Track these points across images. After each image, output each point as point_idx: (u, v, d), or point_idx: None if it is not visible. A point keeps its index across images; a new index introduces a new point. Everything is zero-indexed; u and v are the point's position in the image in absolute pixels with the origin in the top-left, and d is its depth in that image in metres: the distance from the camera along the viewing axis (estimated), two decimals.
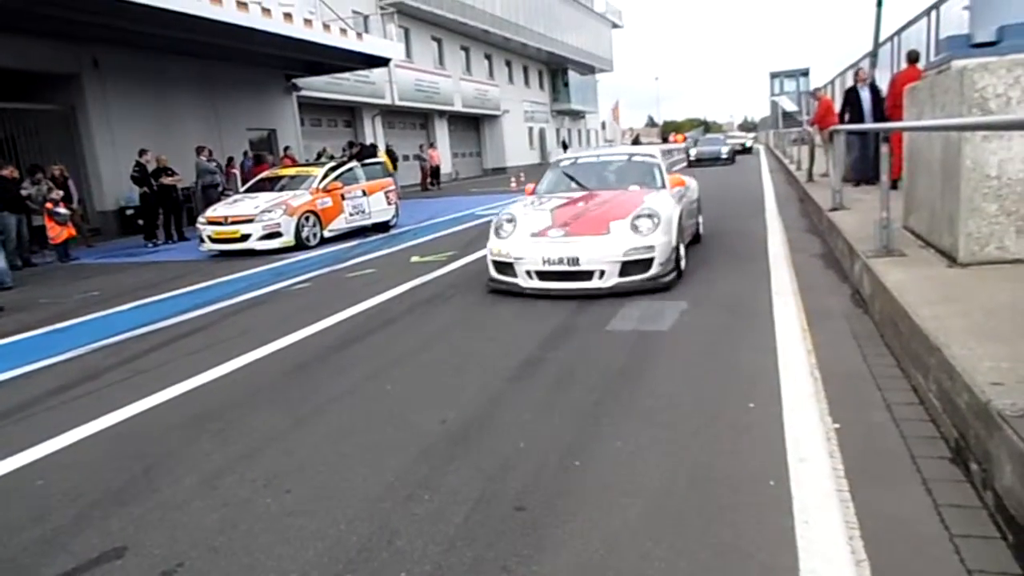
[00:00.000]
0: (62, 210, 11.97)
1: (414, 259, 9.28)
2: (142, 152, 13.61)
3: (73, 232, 12.41)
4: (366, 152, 17.96)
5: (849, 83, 19.89)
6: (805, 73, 41.08)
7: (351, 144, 21.56)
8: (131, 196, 14.78)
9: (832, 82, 23.23)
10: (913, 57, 9.78)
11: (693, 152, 25.35)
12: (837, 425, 3.10)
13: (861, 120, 10.13)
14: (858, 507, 2.43)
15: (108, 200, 15.78)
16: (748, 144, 39.72)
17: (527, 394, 3.87)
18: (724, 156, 28.76)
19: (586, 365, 4.30)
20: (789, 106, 33.75)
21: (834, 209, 8.35)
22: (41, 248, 12.60)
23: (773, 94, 42.55)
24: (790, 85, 41.24)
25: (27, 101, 14.56)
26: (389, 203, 13.59)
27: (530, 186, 8.08)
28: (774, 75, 43.32)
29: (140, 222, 14.26)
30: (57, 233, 11.95)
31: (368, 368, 4.61)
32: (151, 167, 13.63)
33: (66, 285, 9.46)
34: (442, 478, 2.92)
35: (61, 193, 12.20)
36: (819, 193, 10.36)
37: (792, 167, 18.47)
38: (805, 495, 2.54)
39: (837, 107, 15.93)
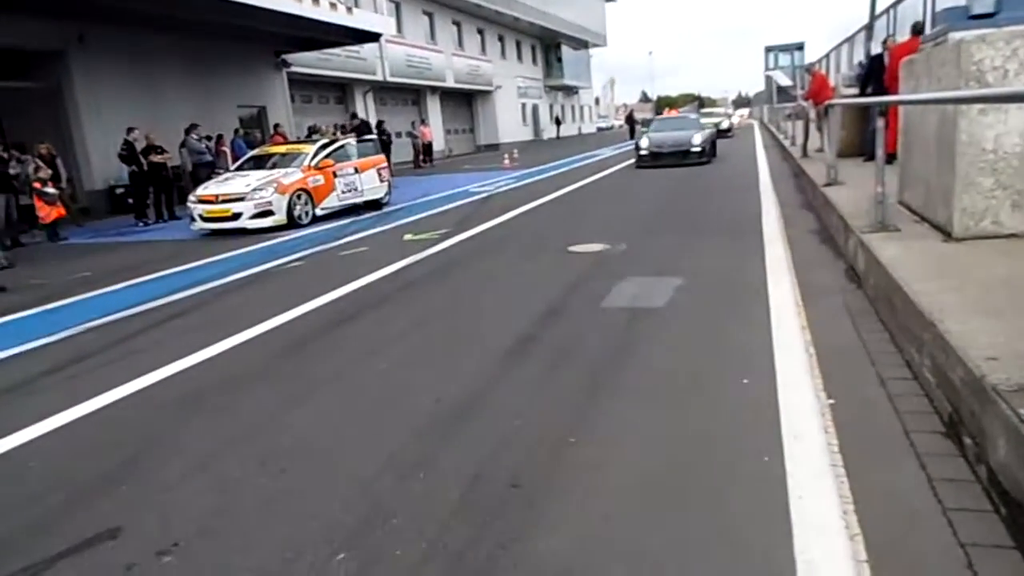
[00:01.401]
0: (50, 189, 11.84)
1: (407, 237, 9.22)
2: (130, 130, 13.43)
3: (63, 212, 12.26)
4: (364, 129, 17.78)
5: (845, 58, 19.72)
6: (800, 47, 40.76)
7: (354, 116, 21.28)
8: (121, 175, 14.61)
9: (827, 56, 23.08)
10: (917, 28, 9.68)
11: (644, 143, 17.69)
12: (832, 401, 3.11)
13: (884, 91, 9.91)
14: (852, 482, 2.44)
15: (97, 179, 15.60)
16: (726, 124, 31.15)
17: (522, 372, 3.86)
18: (696, 148, 16.76)
19: (581, 343, 4.29)
20: (784, 81, 33.47)
21: (828, 184, 8.32)
22: (30, 228, 12.46)
23: (768, 69, 42.26)
24: (785, 60, 40.90)
25: (11, 79, 14.31)
26: (382, 180, 13.49)
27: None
28: (769, 49, 42.95)
29: (130, 201, 14.13)
30: (46, 213, 11.83)
31: (362, 347, 4.59)
32: (140, 145, 13.46)
33: (56, 265, 9.38)
34: (437, 457, 2.91)
35: (49, 172, 12.05)
36: (814, 168, 10.32)
37: (787, 142, 18.41)
38: (799, 471, 2.54)
39: (832, 81, 15.85)
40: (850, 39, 19.16)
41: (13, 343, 5.36)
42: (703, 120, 21.82)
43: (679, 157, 16.80)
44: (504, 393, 3.57)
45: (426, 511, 2.50)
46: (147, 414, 3.72)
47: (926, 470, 2.48)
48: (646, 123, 26.96)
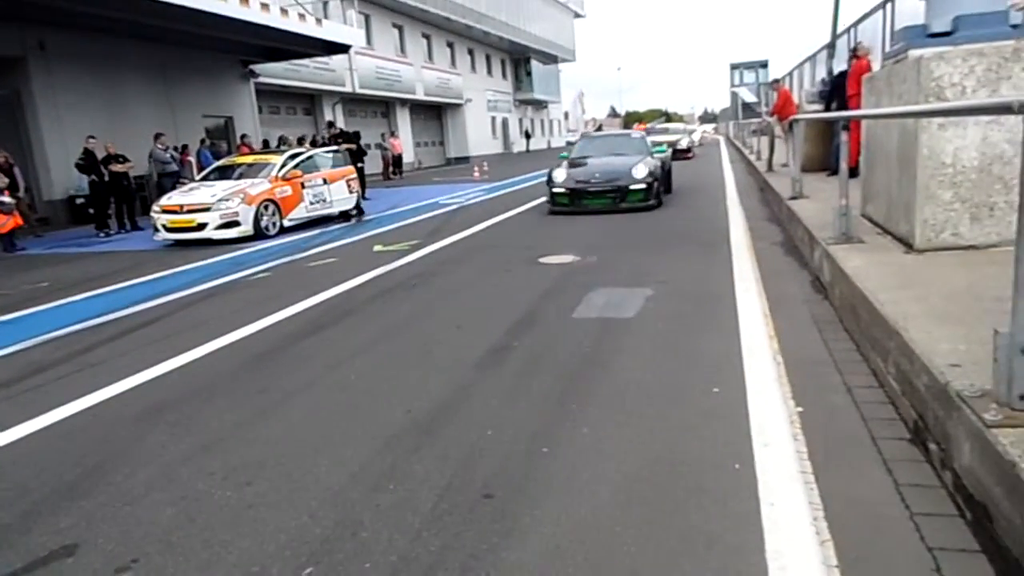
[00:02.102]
0: (7, 199, 11.52)
1: (377, 248, 9.15)
2: (89, 138, 13.15)
3: (20, 222, 11.93)
4: (348, 138, 17.59)
5: (808, 75, 20.17)
6: (764, 65, 41.71)
7: (331, 125, 21.10)
8: (81, 184, 14.28)
9: (791, 73, 23.60)
10: (858, 52, 10.02)
11: (559, 178, 11.34)
12: (800, 409, 3.14)
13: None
14: (821, 489, 2.46)
15: (57, 189, 15.23)
16: (684, 143, 25.74)
17: (493, 382, 3.83)
18: (637, 185, 10.93)
19: (552, 352, 4.28)
20: (749, 97, 34.13)
21: (794, 198, 8.48)
22: None
23: (733, 85, 43.08)
24: (750, 76, 41.80)
25: None
26: (351, 192, 13.39)
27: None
28: (734, 66, 43.87)
29: (91, 211, 13.80)
30: (2, 223, 11.48)
31: (330, 358, 4.52)
32: (100, 154, 13.18)
33: (12, 276, 9.10)
34: (408, 467, 2.87)
35: (6, 181, 11.74)
36: (779, 182, 10.51)
37: (752, 157, 18.73)
38: (770, 478, 2.56)
39: (796, 98, 16.21)
40: (812, 57, 19.63)
41: None
42: (655, 139, 16.40)
43: (612, 200, 10.97)
44: (476, 403, 3.54)
45: (396, 522, 2.45)
46: (107, 427, 3.60)
47: (893, 475, 2.51)
48: (569, 145, 18.15)
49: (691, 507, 2.42)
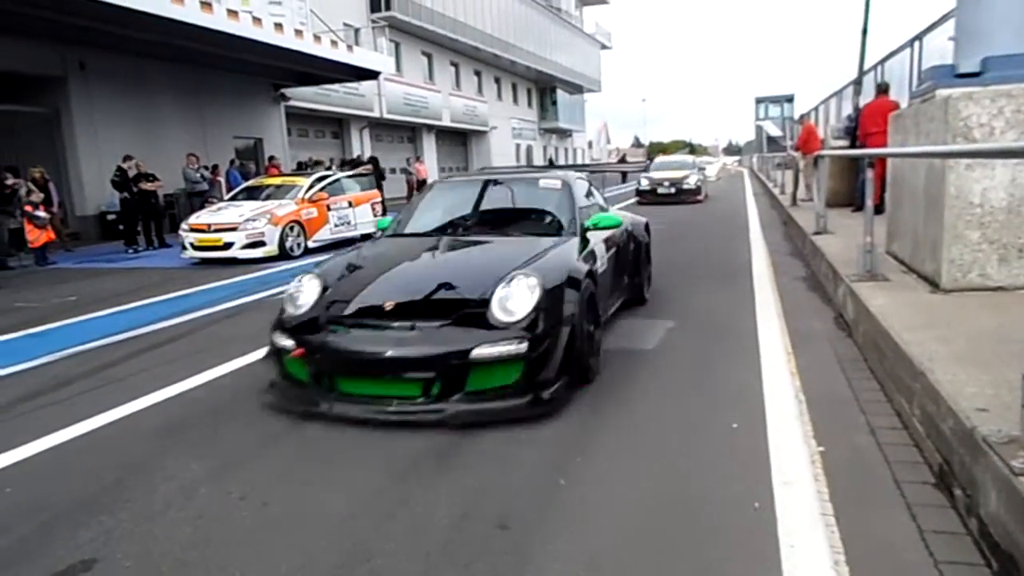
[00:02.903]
0: (41, 213, 11.81)
1: None
2: (126, 158, 13.48)
3: (52, 236, 12.23)
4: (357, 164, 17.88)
5: (834, 110, 20.15)
6: (790, 99, 41.73)
7: (343, 162, 21.51)
8: (112, 201, 14.62)
9: (816, 108, 23.56)
10: (883, 88, 10.05)
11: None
12: (822, 448, 3.09)
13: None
14: (843, 531, 2.41)
15: (89, 205, 15.59)
16: (692, 182, 19.22)
17: None
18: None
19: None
20: (774, 131, 34.11)
21: (818, 233, 8.43)
22: (18, 251, 12.38)
23: (758, 119, 43.12)
24: (775, 110, 41.83)
25: (11, 103, 14.38)
26: (375, 215, 13.55)
27: None
28: (759, 100, 43.97)
29: (120, 227, 14.08)
30: (36, 236, 11.76)
31: None
32: (132, 172, 13.50)
33: (42, 289, 9.29)
34: (423, 495, 2.86)
35: (41, 196, 12.04)
36: (803, 217, 10.46)
37: (776, 191, 18.67)
38: (790, 518, 2.51)
39: (821, 132, 16.18)
40: (838, 93, 19.60)
41: None
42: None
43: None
44: (491, 432, 3.52)
45: (410, 550, 2.44)
46: (129, 443, 3.64)
47: (916, 521, 2.45)
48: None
49: (709, 545, 2.39)
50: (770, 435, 3.26)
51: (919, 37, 10.46)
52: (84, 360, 5.44)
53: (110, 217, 15.35)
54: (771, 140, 32.55)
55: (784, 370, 4.23)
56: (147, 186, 13.63)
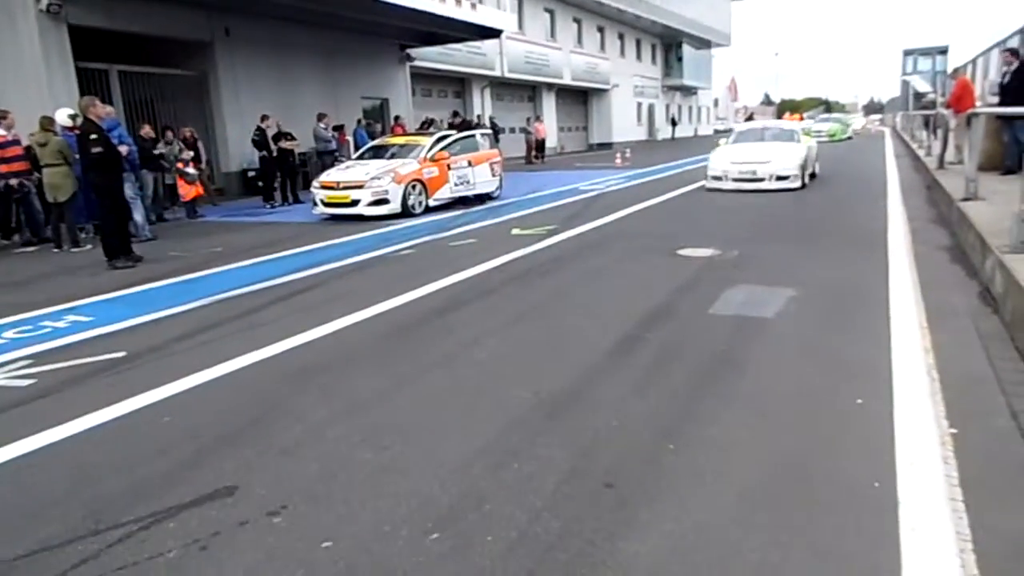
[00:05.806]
0: (192, 170, 12.82)
1: (515, 231, 9.34)
2: (264, 118, 14.33)
3: (201, 191, 13.27)
4: (466, 126, 18.11)
5: (995, 63, 18.20)
6: (943, 51, 38.06)
7: (455, 114, 21.82)
8: (253, 159, 15.62)
9: (974, 61, 21.34)
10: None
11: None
12: (954, 430, 2.91)
13: None
14: (972, 520, 2.28)
15: (233, 162, 16.73)
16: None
17: (623, 372, 3.84)
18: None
19: (685, 347, 4.21)
20: (923, 86, 31.26)
21: (966, 199, 7.73)
22: (172, 205, 13.56)
23: (905, 73, 39.68)
24: (925, 64, 38.34)
25: (165, 66, 15.58)
26: (494, 175, 13.72)
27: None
28: (907, 52, 40.42)
29: (260, 184, 15.06)
30: (187, 191, 12.82)
31: (466, 335, 4.70)
32: (271, 132, 14.33)
33: (193, 240, 10.15)
34: (532, 448, 2.95)
35: (191, 154, 13.05)
36: (950, 181, 9.60)
37: (921, 152, 17.21)
38: (913, 501, 2.40)
39: (978, 89, 14.68)
40: (1003, 43, 17.63)
41: (153, 308, 5.86)
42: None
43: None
44: (603, 392, 3.56)
45: (519, 500, 2.54)
46: (267, 383, 3.98)
47: None
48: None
49: (822, 521, 2.33)
50: (897, 413, 3.10)
51: None
52: (229, 307, 5.93)
53: (251, 174, 16.43)
54: (918, 96, 29.86)
55: (918, 346, 3.97)
56: (286, 145, 14.45)
